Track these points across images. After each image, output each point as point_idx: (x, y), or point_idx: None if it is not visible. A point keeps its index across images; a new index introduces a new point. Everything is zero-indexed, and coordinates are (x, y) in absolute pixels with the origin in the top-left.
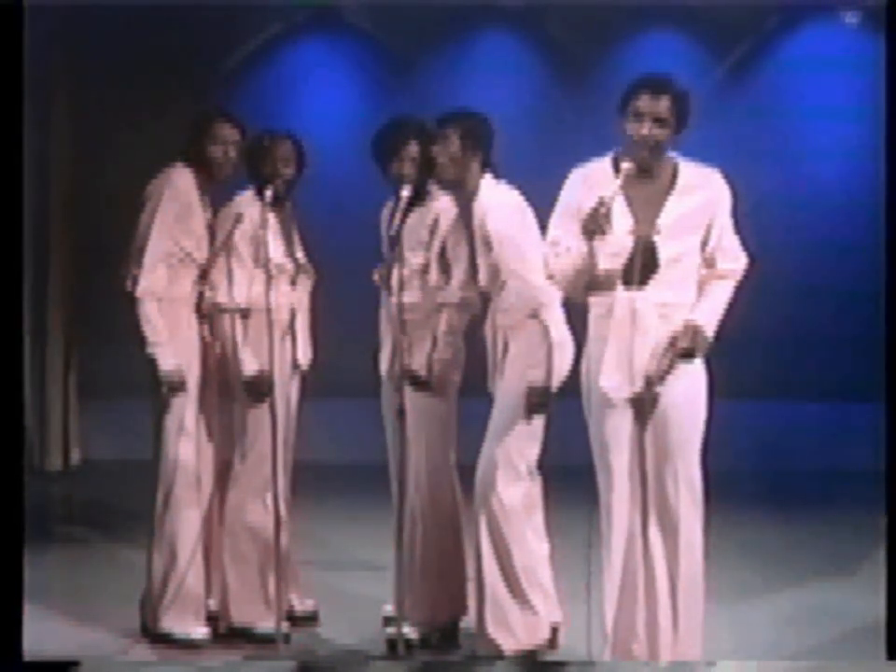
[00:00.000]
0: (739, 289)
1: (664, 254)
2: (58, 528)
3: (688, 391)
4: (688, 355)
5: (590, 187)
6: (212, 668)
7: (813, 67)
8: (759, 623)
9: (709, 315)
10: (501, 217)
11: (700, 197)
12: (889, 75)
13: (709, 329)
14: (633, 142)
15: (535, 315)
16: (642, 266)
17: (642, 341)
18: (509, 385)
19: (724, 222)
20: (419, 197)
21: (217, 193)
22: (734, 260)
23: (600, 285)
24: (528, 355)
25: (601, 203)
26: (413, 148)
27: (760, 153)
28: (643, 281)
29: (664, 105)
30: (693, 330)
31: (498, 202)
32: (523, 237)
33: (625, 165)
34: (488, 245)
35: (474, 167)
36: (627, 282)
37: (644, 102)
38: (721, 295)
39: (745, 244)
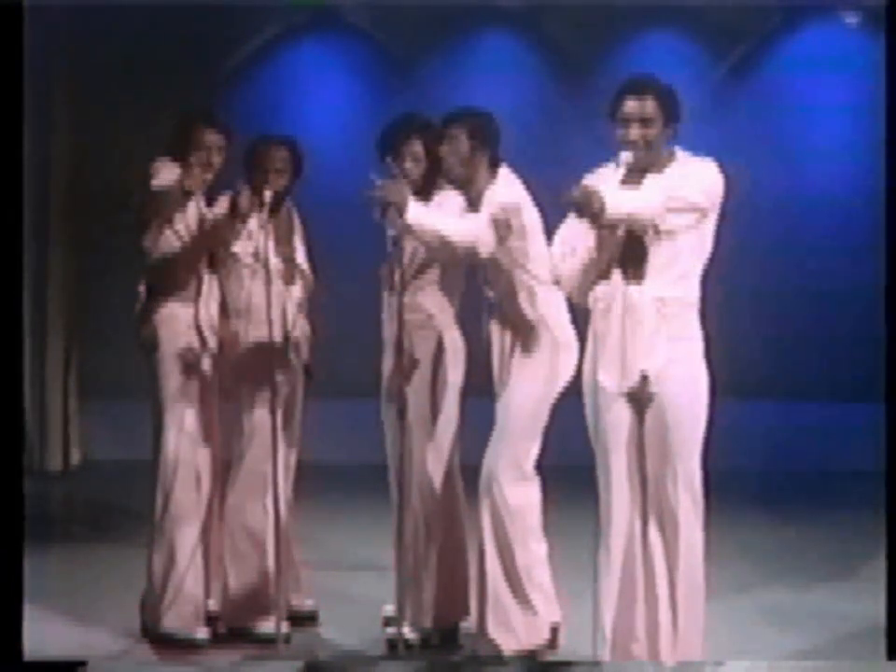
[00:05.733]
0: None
1: (653, 242)
2: (58, 528)
3: (688, 392)
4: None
5: None
6: (218, 669)
7: (813, 67)
8: (758, 624)
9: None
10: (521, 207)
11: (690, 184)
12: (889, 75)
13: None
14: (625, 145)
15: (542, 312)
16: (634, 255)
17: (638, 335)
18: (516, 386)
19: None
20: (423, 194)
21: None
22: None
23: (600, 278)
24: (536, 355)
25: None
26: (416, 145)
27: (760, 153)
28: (640, 273)
29: (649, 105)
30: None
31: (521, 195)
32: (536, 233)
33: (625, 155)
34: (507, 229)
35: (483, 165)
36: (624, 273)
37: (629, 105)
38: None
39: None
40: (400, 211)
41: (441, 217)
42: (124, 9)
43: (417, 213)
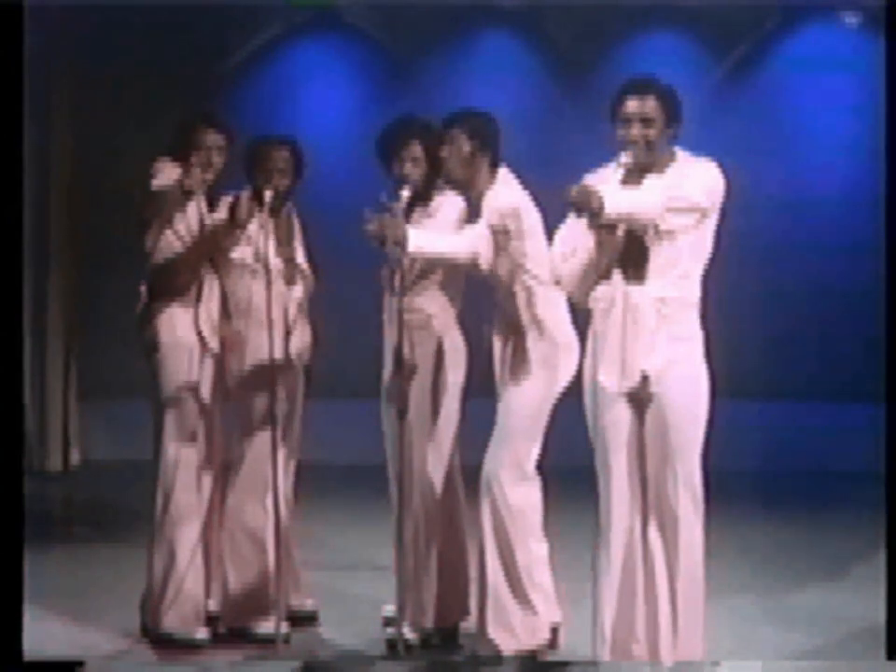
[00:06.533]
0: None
1: (653, 242)
2: (58, 528)
3: (689, 392)
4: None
5: None
6: (218, 669)
7: (813, 67)
8: (759, 624)
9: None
10: (520, 210)
11: (690, 185)
12: (889, 75)
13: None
14: (626, 145)
15: (542, 312)
16: (635, 255)
17: (639, 335)
18: (516, 386)
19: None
20: (423, 197)
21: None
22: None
23: (601, 278)
24: (537, 355)
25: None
26: (416, 148)
27: (759, 153)
28: (640, 273)
29: (649, 105)
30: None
31: (519, 196)
32: (536, 234)
33: (624, 157)
34: (505, 237)
35: (483, 167)
36: (625, 273)
37: (630, 105)
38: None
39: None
40: (401, 246)
41: (440, 240)
42: (124, 10)
43: (417, 243)
